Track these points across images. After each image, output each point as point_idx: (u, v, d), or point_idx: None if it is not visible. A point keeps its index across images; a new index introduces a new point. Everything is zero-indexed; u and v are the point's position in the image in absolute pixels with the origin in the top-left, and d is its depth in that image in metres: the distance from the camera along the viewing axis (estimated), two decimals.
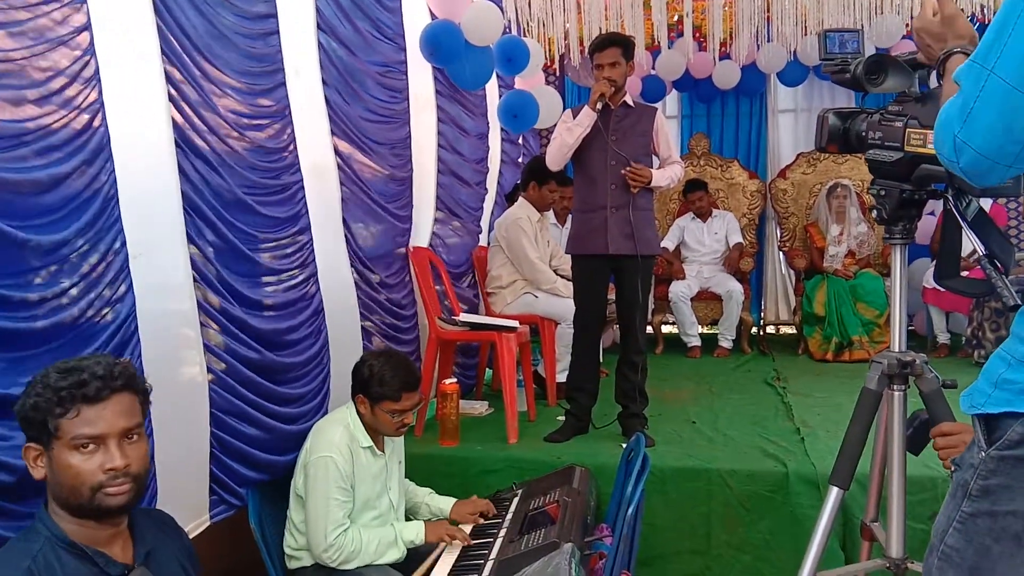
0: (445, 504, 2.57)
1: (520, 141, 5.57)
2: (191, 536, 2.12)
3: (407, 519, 2.51)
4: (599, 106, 3.09)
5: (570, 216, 4.77)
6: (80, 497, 1.31)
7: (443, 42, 3.70)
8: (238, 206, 2.42)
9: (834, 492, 1.58)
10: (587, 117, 3.12)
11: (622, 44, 3.15)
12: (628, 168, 3.11)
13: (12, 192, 1.65)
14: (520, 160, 5.46)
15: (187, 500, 2.23)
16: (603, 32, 4.79)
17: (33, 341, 1.67)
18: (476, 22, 3.81)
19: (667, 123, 3.34)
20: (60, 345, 1.74)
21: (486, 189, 4.64)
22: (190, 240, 2.25)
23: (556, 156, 3.25)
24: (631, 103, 3.23)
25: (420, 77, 3.78)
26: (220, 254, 2.35)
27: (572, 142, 3.15)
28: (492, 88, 4.66)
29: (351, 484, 2.27)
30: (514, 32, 4.94)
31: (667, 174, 3.24)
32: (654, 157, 3.31)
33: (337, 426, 2.33)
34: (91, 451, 1.32)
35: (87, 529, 1.35)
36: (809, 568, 1.56)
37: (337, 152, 3.08)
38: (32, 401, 1.31)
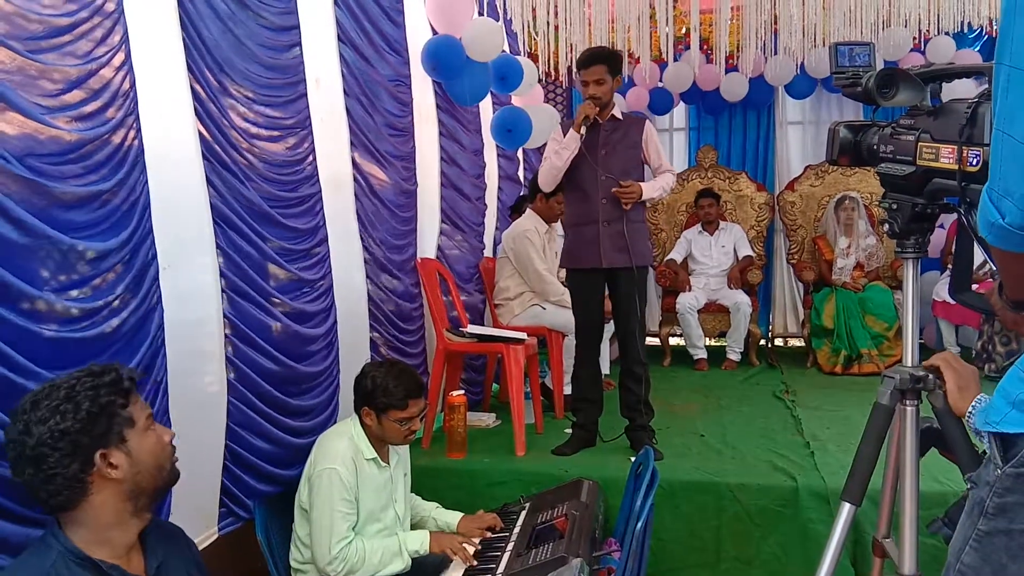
0: (452, 518, 2.56)
1: (520, 156, 5.58)
2: (200, 548, 2.12)
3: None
4: (583, 130, 3.10)
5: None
6: (165, 471, 1.43)
7: (444, 57, 3.73)
8: (263, 217, 2.45)
9: (846, 508, 1.56)
10: (573, 141, 3.14)
11: (607, 61, 3.15)
12: (617, 188, 3.10)
13: (60, 205, 1.69)
14: (518, 174, 5.48)
15: (198, 512, 2.23)
16: (611, 45, 4.83)
17: (80, 352, 1.70)
18: (477, 38, 3.83)
19: (656, 133, 3.34)
20: (100, 357, 1.76)
21: (485, 204, 4.65)
22: (219, 251, 2.29)
23: (547, 179, 3.27)
24: (619, 116, 3.23)
25: (422, 91, 3.80)
26: (247, 265, 2.37)
27: (561, 165, 3.17)
28: (486, 105, 4.68)
29: (355, 496, 2.26)
30: (518, 47, 4.98)
31: (658, 184, 3.23)
32: (646, 167, 3.31)
33: (341, 438, 2.32)
34: (152, 429, 1.43)
35: (114, 536, 1.37)
36: None
37: (355, 164, 3.11)
38: (92, 408, 1.33)
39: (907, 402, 1.56)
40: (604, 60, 3.14)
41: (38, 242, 1.61)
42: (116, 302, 1.84)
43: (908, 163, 1.38)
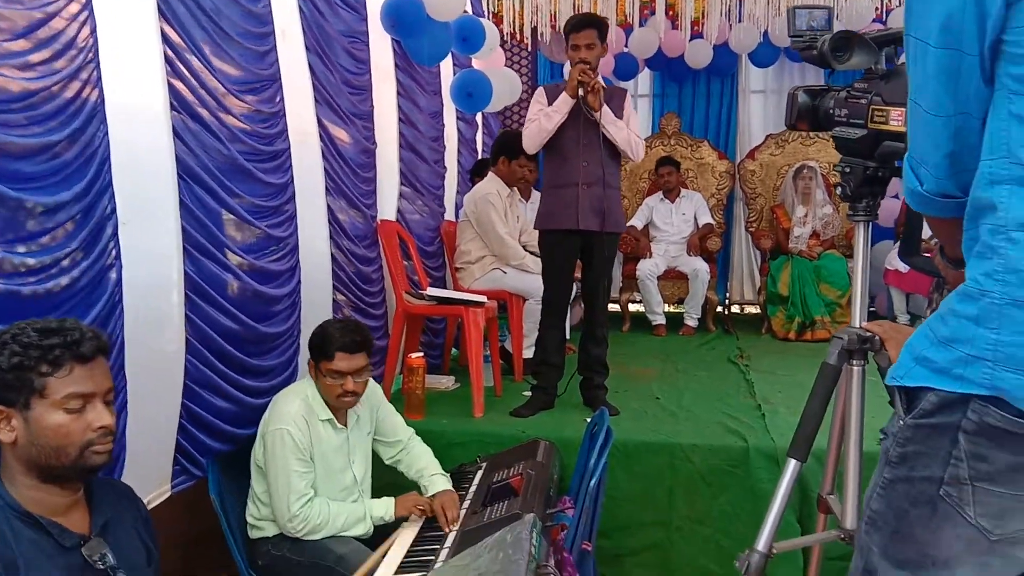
0: (435, 487, 2.44)
1: (480, 120, 5.53)
2: (151, 506, 2.11)
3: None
4: (582, 92, 3.07)
5: (534, 191, 4.78)
6: (66, 457, 1.31)
7: (403, 14, 3.65)
8: (236, 172, 2.40)
9: (792, 464, 1.60)
10: (565, 104, 3.11)
11: (597, 26, 3.14)
12: (583, 75, 3.04)
13: (7, 156, 1.62)
14: (476, 138, 5.43)
15: (151, 470, 2.21)
16: (576, 8, 4.79)
17: (27, 306, 1.65)
18: None
19: (642, 104, 3.35)
20: (51, 312, 1.72)
21: (445, 167, 4.61)
22: (182, 206, 2.23)
23: (534, 140, 3.24)
24: (603, 84, 3.22)
25: (380, 49, 3.73)
26: (211, 221, 2.32)
27: (551, 127, 3.15)
28: (447, 67, 4.62)
29: (310, 456, 2.25)
30: (482, 8, 4.90)
31: (624, 131, 3.18)
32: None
33: (295, 398, 2.30)
34: (79, 410, 1.32)
35: (48, 496, 1.33)
36: (766, 538, 1.59)
37: (319, 121, 3.05)
38: (13, 360, 1.28)
39: (854, 362, 1.61)
40: (594, 25, 3.14)
41: None
42: (69, 258, 1.80)
43: (860, 126, 1.40)
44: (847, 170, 1.49)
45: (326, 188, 3.11)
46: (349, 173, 3.28)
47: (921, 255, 1.47)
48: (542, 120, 3.18)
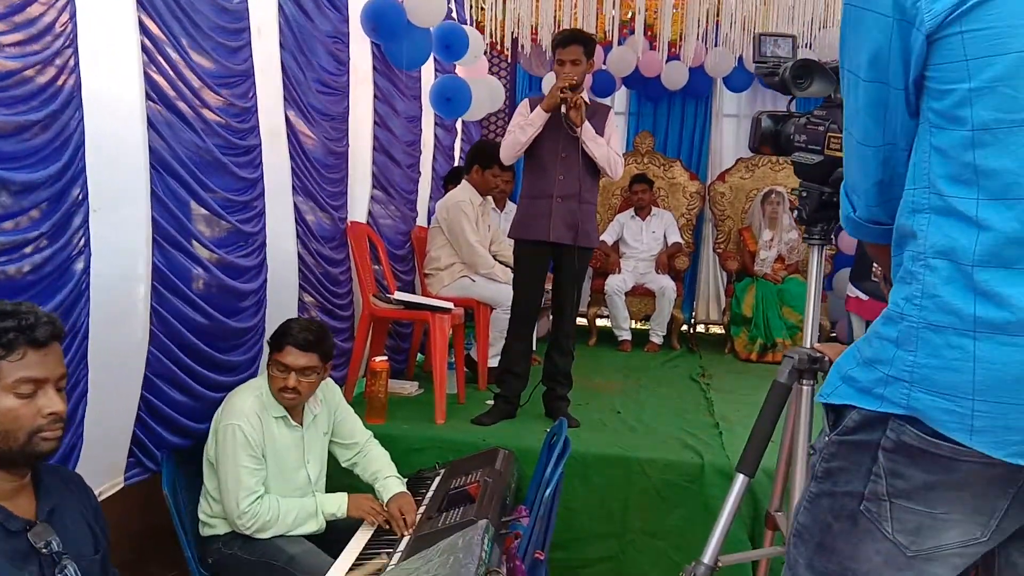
0: (388, 491, 2.44)
1: (459, 127, 5.56)
2: (103, 497, 2.10)
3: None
4: (564, 109, 3.09)
5: (508, 201, 4.82)
6: (14, 442, 1.30)
7: (384, 18, 3.68)
8: (209, 165, 2.39)
9: (740, 479, 1.64)
10: (539, 118, 3.16)
11: (584, 42, 3.17)
12: (566, 91, 3.07)
13: None
14: (454, 146, 5.45)
15: (106, 460, 2.19)
16: (557, 23, 4.85)
17: None
18: (419, 2, 3.79)
19: (618, 121, 3.38)
20: (18, 295, 1.70)
21: (419, 172, 4.62)
22: (153, 196, 2.22)
23: (508, 152, 3.30)
24: (587, 100, 3.26)
25: (359, 51, 3.75)
26: (181, 213, 2.31)
27: (524, 140, 3.20)
28: (428, 72, 4.64)
29: (262, 453, 2.24)
30: (466, 16, 4.94)
31: (604, 148, 3.20)
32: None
33: (249, 394, 2.30)
34: (29, 395, 1.31)
35: None
36: (712, 550, 1.62)
37: (287, 120, 3.05)
38: None
39: (804, 381, 1.65)
40: (581, 41, 3.16)
41: None
42: (35, 243, 1.78)
43: (817, 152, 1.45)
44: (804, 194, 1.54)
45: (293, 187, 3.11)
46: (315, 174, 3.28)
47: (872, 280, 1.52)
48: (517, 132, 3.22)
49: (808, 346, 1.65)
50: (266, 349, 2.78)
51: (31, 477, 1.40)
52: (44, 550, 1.34)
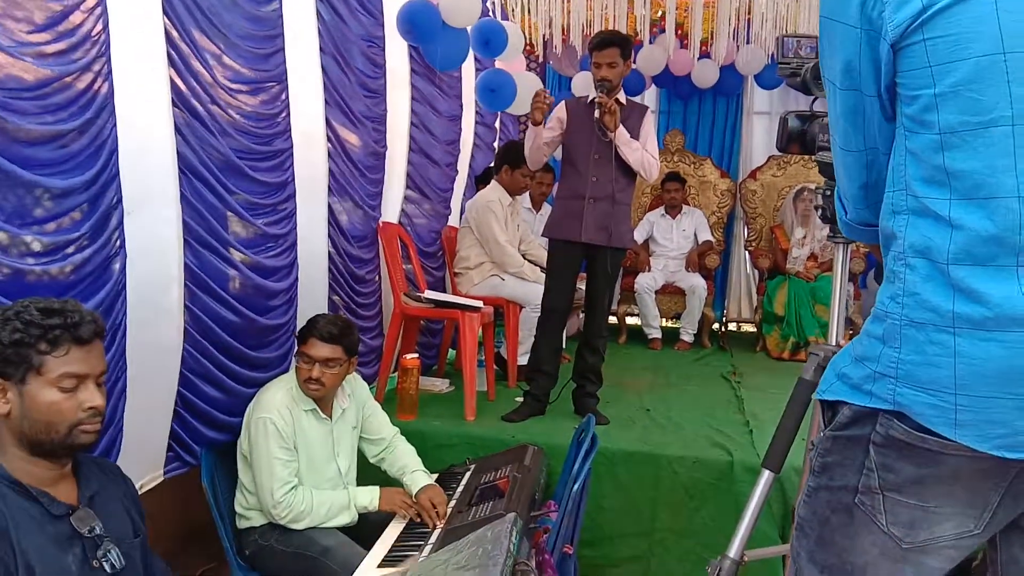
0: (415, 484, 2.49)
1: (497, 125, 5.60)
2: (144, 490, 2.17)
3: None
4: (597, 113, 3.12)
5: (546, 202, 4.87)
6: (55, 433, 1.36)
7: (419, 21, 3.72)
8: (230, 169, 2.45)
9: (765, 474, 1.65)
10: (532, 132, 3.29)
11: (620, 44, 3.18)
12: (602, 97, 3.12)
13: (23, 141, 1.68)
14: (495, 144, 5.49)
15: (145, 454, 2.26)
16: (588, 23, 4.86)
17: (32, 288, 1.71)
18: (454, 3, 3.83)
19: (653, 124, 3.40)
20: (62, 293, 1.78)
21: (456, 171, 4.67)
22: (183, 199, 2.29)
23: (529, 160, 3.41)
24: (623, 100, 3.27)
25: (396, 54, 3.80)
26: (211, 215, 2.38)
27: (532, 148, 3.32)
28: (468, 70, 4.68)
29: (293, 445, 2.31)
30: (497, 15, 4.97)
31: (639, 152, 3.24)
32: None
33: (280, 388, 2.36)
34: (72, 389, 1.37)
35: (36, 468, 1.38)
36: (737, 546, 1.63)
37: (328, 123, 3.12)
38: (14, 336, 1.33)
39: None
40: (618, 43, 3.17)
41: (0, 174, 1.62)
42: (80, 241, 1.86)
43: None
44: (827, 193, 1.55)
45: (329, 188, 3.17)
46: (356, 175, 3.35)
47: None
48: (528, 143, 3.34)
49: (834, 343, 1.66)
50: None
51: (71, 466, 1.47)
52: (87, 534, 1.40)
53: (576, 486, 2.18)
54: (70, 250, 1.84)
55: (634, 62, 5.80)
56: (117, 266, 2.00)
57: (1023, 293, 0.88)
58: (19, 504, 1.33)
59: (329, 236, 3.24)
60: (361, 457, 2.60)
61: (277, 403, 2.31)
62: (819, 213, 1.60)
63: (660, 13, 5.52)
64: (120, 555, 1.44)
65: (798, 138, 1.68)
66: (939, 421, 0.93)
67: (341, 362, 2.36)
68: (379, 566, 2.10)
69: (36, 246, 1.73)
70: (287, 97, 2.73)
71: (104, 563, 1.41)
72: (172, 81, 2.20)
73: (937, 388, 0.93)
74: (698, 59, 5.67)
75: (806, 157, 5.71)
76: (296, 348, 2.39)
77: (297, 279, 2.90)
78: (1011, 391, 0.90)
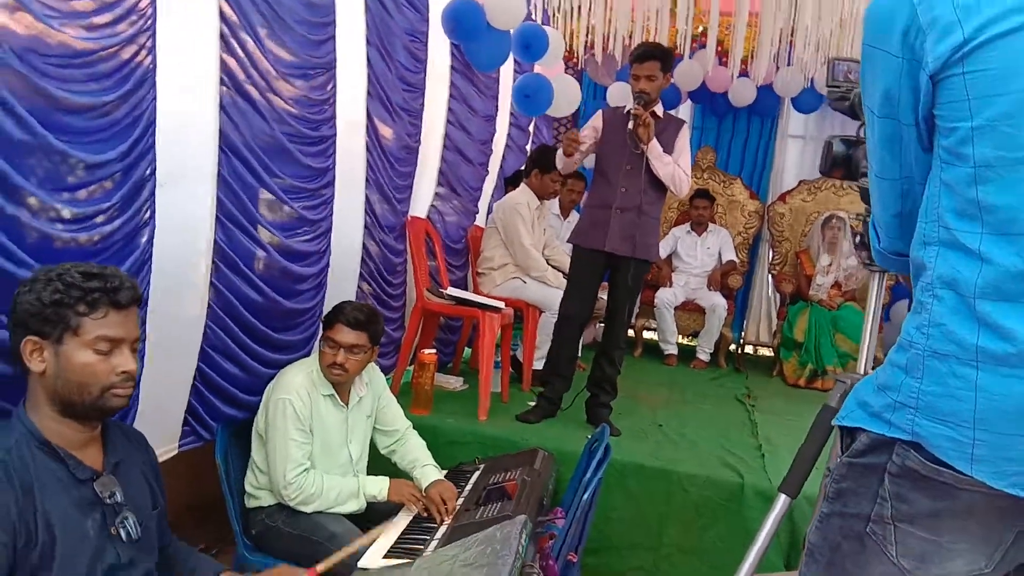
0: (426, 478, 2.49)
1: (531, 129, 5.60)
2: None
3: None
4: (631, 125, 3.14)
5: (574, 210, 4.88)
6: (88, 395, 1.38)
7: (463, 20, 3.74)
8: (277, 152, 2.47)
9: (781, 499, 1.63)
10: (560, 161, 3.43)
11: (661, 57, 3.18)
12: (637, 109, 3.12)
13: (62, 109, 1.69)
14: (527, 147, 5.50)
15: (161, 426, 2.27)
16: (630, 34, 4.86)
17: (60, 254, 1.71)
18: (499, 5, 3.84)
19: (688, 138, 3.39)
20: (89, 260, 1.78)
21: (487, 171, 4.68)
22: (219, 177, 2.31)
23: (563, 165, 3.46)
24: (660, 114, 3.27)
25: (437, 50, 3.82)
26: (245, 195, 2.39)
27: (568, 164, 3.42)
28: (507, 72, 4.69)
29: (309, 427, 2.32)
30: (539, 20, 4.97)
31: (670, 167, 3.22)
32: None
33: (301, 370, 2.38)
34: (106, 352, 1.39)
35: (66, 430, 1.40)
36: (747, 569, 1.62)
37: (368, 113, 3.14)
38: (54, 296, 1.35)
39: None
40: (659, 56, 3.17)
41: (36, 140, 1.63)
42: (110, 211, 1.87)
43: None
44: (867, 219, 1.53)
45: (366, 179, 3.19)
46: (387, 167, 3.36)
47: None
48: (562, 165, 3.44)
49: (862, 371, 1.64)
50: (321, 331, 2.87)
51: (100, 431, 1.48)
52: (108, 500, 1.41)
53: (586, 495, 2.17)
54: (99, 219, 1.85)
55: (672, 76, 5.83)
56: (144, 238, 2.01)
57: None
58: (47, 465, 1.35)
59: (366, 226, 3.26)
60: (371, 447, 2.60)
61: (297, 385, 2.32)
62: (856, 240, 1.59)
63: (701, 29, 5.50)
64: (137, 524, 1.45)
65: (843, 163, 1.66)
66: (955, 455, 0.93)
67: (365, 349, 2.37)
68: (384, 557, 2.10)
69: (66, 213, 1.74)
70: (335, 86, 2.75)
71: (121, 531, 1.42)
72: (222, 59, 2.22)
73: (956, 421, 0.93)
74: (737, 77, 5.64)
75: (837, 184, 5.70)
76: (321, 333, 2.40)
77: (328, 265, 2.91)
78: None
